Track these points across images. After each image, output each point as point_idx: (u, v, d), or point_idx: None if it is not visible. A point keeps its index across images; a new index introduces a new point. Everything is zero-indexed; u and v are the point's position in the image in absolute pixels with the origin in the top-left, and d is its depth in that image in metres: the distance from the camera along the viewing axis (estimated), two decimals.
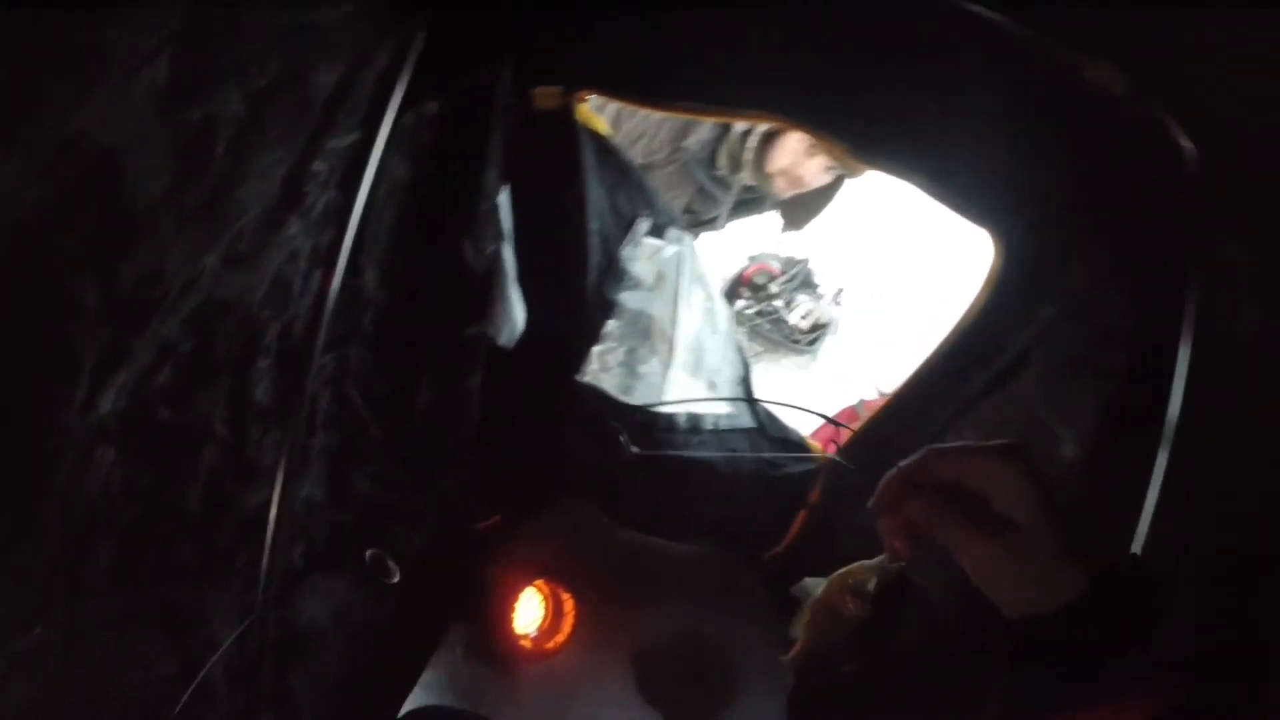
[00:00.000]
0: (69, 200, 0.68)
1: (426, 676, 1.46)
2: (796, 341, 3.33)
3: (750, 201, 2.20)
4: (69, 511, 0.82)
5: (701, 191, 2.06)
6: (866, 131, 1.06)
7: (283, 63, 0.81)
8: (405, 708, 1.41)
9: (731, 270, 3.43)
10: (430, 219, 1.09)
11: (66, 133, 0.65)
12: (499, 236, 1.14)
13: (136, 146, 0.71)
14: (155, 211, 0.76)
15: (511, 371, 1.25)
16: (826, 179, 2.00)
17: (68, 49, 0.63)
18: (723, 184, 2.04)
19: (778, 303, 3.36)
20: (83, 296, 0.73)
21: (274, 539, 0.96)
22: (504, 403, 1.29)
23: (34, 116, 0.63)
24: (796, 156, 1.90)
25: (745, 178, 1.99)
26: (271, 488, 1.03)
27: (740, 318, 3.32)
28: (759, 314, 3.33)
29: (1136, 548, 0.96)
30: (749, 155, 1.92)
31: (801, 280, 3.47)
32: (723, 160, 1.99)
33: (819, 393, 3.16)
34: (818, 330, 3.38)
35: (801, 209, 2.15)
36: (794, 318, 3.35)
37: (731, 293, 3.37)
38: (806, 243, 3.60)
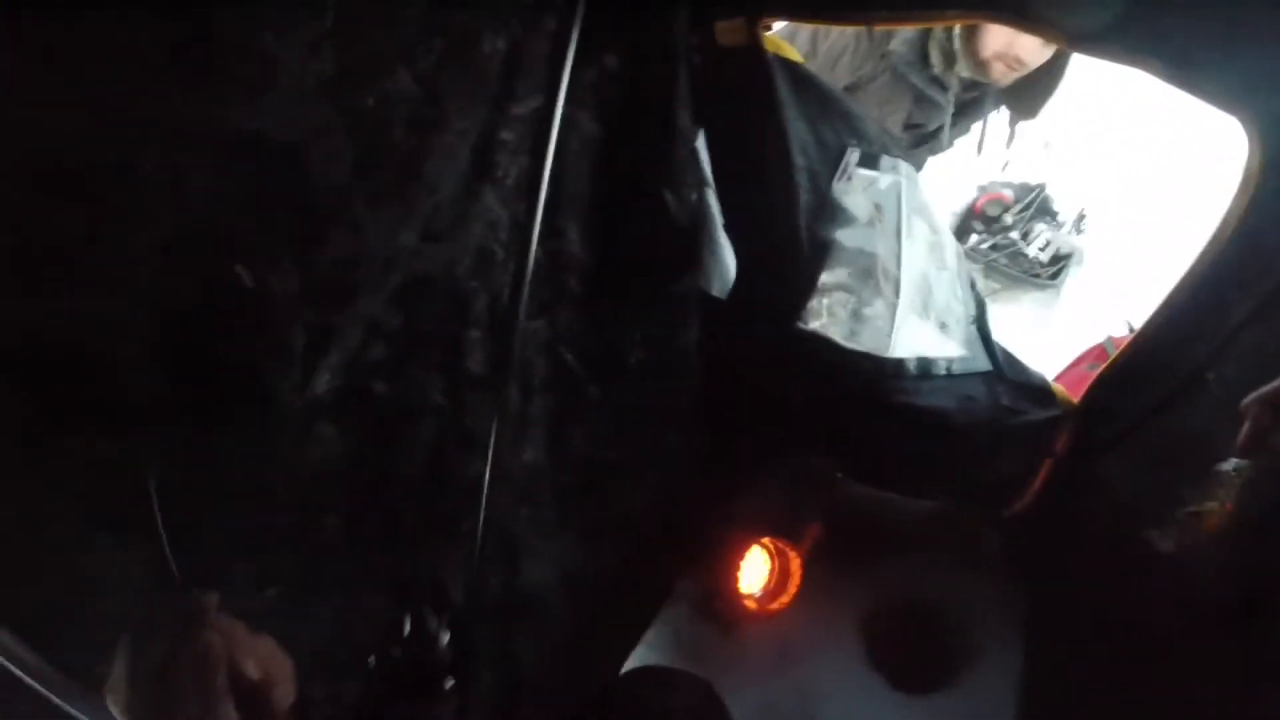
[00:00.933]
0: (258, 197, 0.71)
1: (652, 635, 1.45)
2: (1037, 276, 3.01)
3: (973, 102, 1.95)
4: (295, 484, 0.87)
5: (920, 98, 1.84)
6: (1084, 17, 0.88)
7: (447, 37, 0.79)
8: (629, 666, 1.41)
9: (961, 203, 3.15)
10: (627, 173, 1.03)
11: (245, 134, 0.67)
12: (700, 183, 1.07)
13: (315, 138, 0.73)
14: (343, 197, 0.77)
15: (731, 323, 1.18)
16: (1048, 53, 1.72)
17: (231, 54, 0.64)
18: (940, 84, 1.81)
19: (1014, 234, 3.04)
20: (286, 285, 0.75)
21: (489, 503, 0.96)
22: (726, 356, 1.23)
23: (212, 122, 0.65)
24: (1010, 35, 1.65)
25: (962, 70, 1.76)
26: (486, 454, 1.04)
27: (974, 253, 3.04)
28: (994, 248, 3.03)
29: None
30: (959, 44, 1.69)
31: (1038, 208, 3.12)
32: (934, 57, 1.76)
33: (1065, 330, 2.85)
34: (1060, 262, 3.04)
35: (1029, 94, 1.87)
36: (1033, 250, 3.03)
37: (963, 227, 3.10)
38: (1042, 166, 3.24)
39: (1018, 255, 3.01)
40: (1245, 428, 0.65)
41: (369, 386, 0.91)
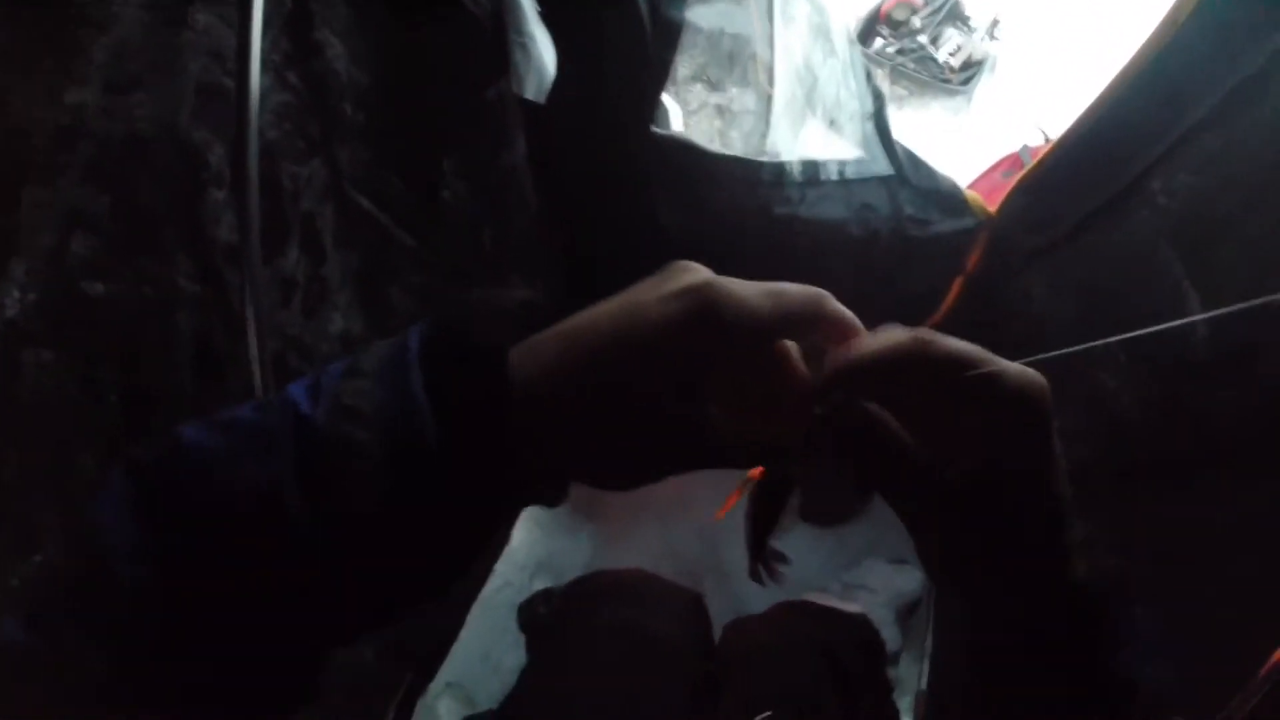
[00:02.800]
0: None
1: None
2: (947, 81, 2.72)
3: None
4: (24, 429, 0.63)
5: None
6: None
7: None
8: (518, 532, 1.24)
9: (866, 7, 2.82)
10: None
11: None
12: None
13: None
14: None
15: (567, 133, 0.93)
16: None
17: None
18: None
19: (922, 38, 2.73)
20: None
21: (264, 381, 0.73)
22: (570, 174, 0.98)
23: None
24: None
25: None
26: (280, 334, 0.80)
27: (879, 57, 2.74)
28: (900, 52, 2.72)
29: None
30: None
31: (949, 12, 2.80)
32: None
33: (977, 139, 2.62)
34: (971, 68, 2.76)
35: None
36: (942, 55, 2.73)
37: (867, 31, 2.78)
38: None
39: (926, 60, 2.71)
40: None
41: (81, 291, 0.66)
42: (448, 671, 1.20)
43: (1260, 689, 0.55)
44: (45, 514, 0.65)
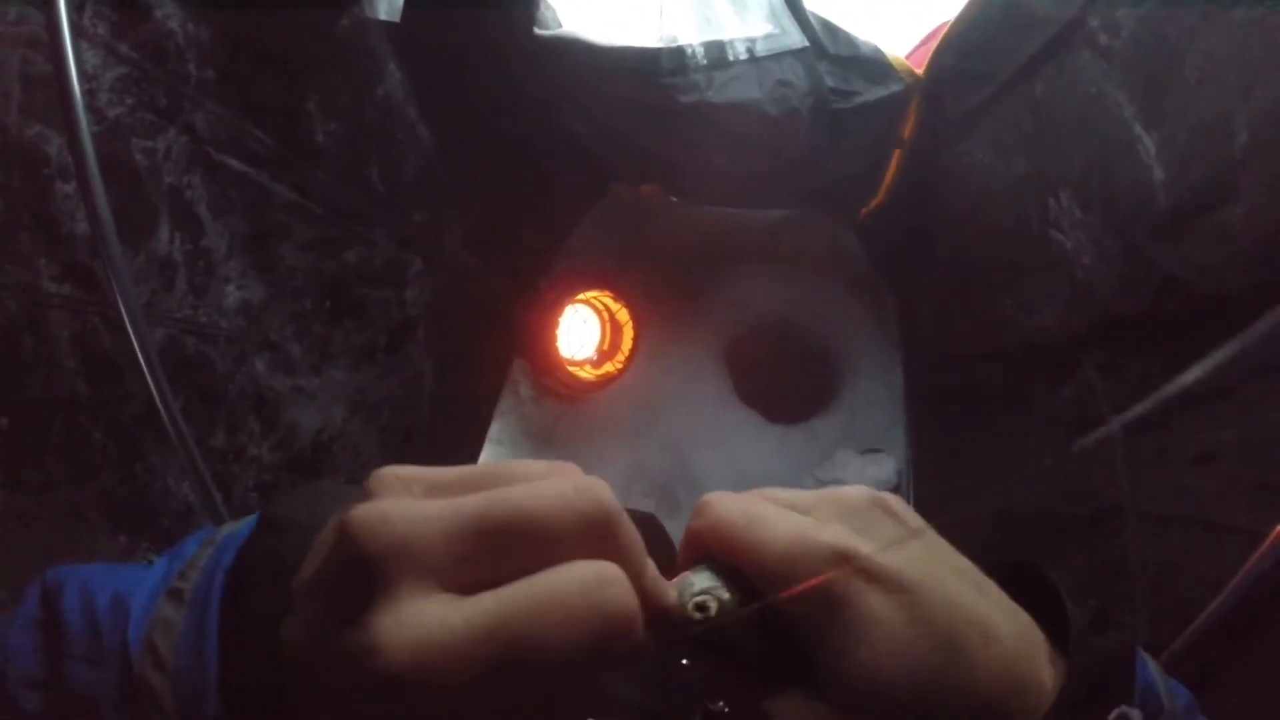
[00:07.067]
0: None
1: (496, 428, 1.20)
2: None
3: None
4: None
5: None
6: None
7: None
8: (482, 456, 1.17)
9: None
10: None
11: None
12: None
13: None
14: None
15: (444, 51, 0.81)
16: None
17: None
18: None
19: None
20: None
21: (154, 377, 0.65)
22: (457, 96, 0.86)
23: None
24: None
25: None
26: (170, 319, 0.72)
27: None
28: None
29: None
30: None
31: None
32: None
33: (909, 6, 2.44)
34: None
35: None
36: None
37: None
38: None
39: None
40: None
41: None
42: None
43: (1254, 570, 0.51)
44: None
